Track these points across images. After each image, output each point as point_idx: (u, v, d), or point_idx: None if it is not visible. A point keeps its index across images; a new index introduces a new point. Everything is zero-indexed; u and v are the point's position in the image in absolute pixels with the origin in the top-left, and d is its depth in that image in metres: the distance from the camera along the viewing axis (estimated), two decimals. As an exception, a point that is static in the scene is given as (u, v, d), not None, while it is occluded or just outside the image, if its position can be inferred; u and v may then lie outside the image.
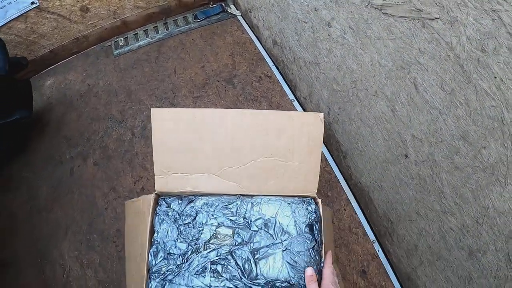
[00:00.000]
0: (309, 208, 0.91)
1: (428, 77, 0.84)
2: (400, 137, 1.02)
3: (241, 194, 0.95)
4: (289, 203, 0.92)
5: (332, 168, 1.51)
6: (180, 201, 0.93)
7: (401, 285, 1.28)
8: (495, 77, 0.68)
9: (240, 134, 0.91)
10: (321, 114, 0.91)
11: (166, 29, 2.02)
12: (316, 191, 0.95)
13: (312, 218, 0.91)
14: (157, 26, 2.05)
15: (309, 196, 0.96)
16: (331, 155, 1.52)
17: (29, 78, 1.93)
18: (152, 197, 0.93)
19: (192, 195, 0.94)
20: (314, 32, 1.27)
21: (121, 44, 2.00)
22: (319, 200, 0.94)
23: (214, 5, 2.11)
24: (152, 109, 0.92)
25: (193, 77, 1.81)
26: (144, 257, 0.88)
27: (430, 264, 1.08)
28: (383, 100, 1.03)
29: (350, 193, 1.46)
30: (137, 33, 2.04)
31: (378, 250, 1.34)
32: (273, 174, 0.93)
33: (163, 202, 0.93)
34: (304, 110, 1.64)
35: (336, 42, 1.16)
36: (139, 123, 1.72)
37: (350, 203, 1.43)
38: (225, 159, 0.93)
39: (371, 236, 1.36)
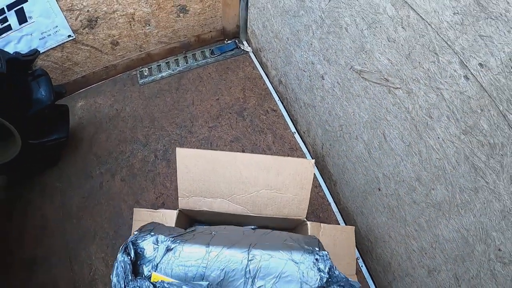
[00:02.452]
0: (320, 265, 0.91)
1: (393, 131, 1.04)
2: (375, 174, 1.21)
3: (244, 215, 1.18)
4: (296, 263, 0.90)
5: (324, 193, 1.68)
6: None
7: (381, 298, 1.43)
8: (439, 137, 0.88)
9: (247, 172, 1.15)
10: (312, 161, 1.14)
11: (186, 62, 2.20)
12: (305, 216, 1.19)
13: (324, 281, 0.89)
14: (177, 59, 2.23)
15: (299, 219, 1.18)
16: (325, 182, 1.70)
17: (64, 98, 2.08)
18: (176, 212, 1.19)
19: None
20: (311, 80, 1.47)
21: (145, 74, 2.18)
22: (309, 223, 1.16)
23: (229, 42, 2.28)
24: (177, 148, 1.17)
25: (209, 109, 1.97)
26: None
27: (401, 280, 1.24)
28: (361, 143, 1.23)
29: (339, 215, 1.62)
30: (160, 64, 2.22)
31: (361, 266, 1.50)
32: (272, 203, 1.17)
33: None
34: (304, 142, 1.81)
35: (327, 92, 1.36)
36: (161, 147, 1.88)
37: (339, 223, 1.60)
38: (234, 189, 1.17)
39: (356, 253, 1.49)
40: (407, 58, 0.90)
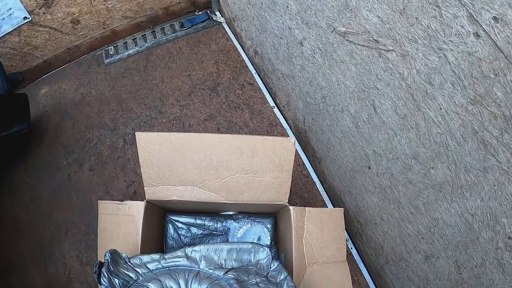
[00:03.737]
0: None
1: (384, 101, 0.87)
2: (364, 150, 1.06)
3: (220, 203, 1.04)
4: None
5: (309, 172, 1.54)
6: None
7: (373, 280, 1.33)
8: (441, 108, 0.72)
9: (217, 155, 0.99)
10: (292, 140, 0.98)
11: (154, 38, 2.01)
12: (287, 200, 1.03)
13: None
14: (145, 34, 2.04)
15: (280, 204, 1.03)
16: (308, 160, 1.55)
17: (25, 87, 1.93)
18: (143, 203, 1.03)
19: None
20: (289, 48, 1.30)
21: (111, 53, 2.00)
22: (291, 208, 1.01)
23: (200, 13, 2.09)
24: (136, 133, 0.99)
25: (180, 86, 1.81)
26: (138, 250, 1.01)
27: (395, 264, 1.13)
28: (348, 116, 1.07)
29: (326, 195, 1.49)
30: (126, 42, 2.03)
31: (351, 248, 1.39)
32: (248, 187, 1.01)
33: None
34: (284, 117, 1.66)
35: (307, 60, 1.19)
36: (130, 130, 1.73)
37: (326, 204, 1.47)
38: (205, 175, 1.00)
39: (346, 235, 1.40)
40: (401, 14, 0.73)
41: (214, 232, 1.18)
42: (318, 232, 1.03)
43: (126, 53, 1.97)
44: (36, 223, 1.63)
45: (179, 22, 2.05)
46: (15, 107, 1.62)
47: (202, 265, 0.90)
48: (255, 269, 0.91)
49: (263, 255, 0.92)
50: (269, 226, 1.17)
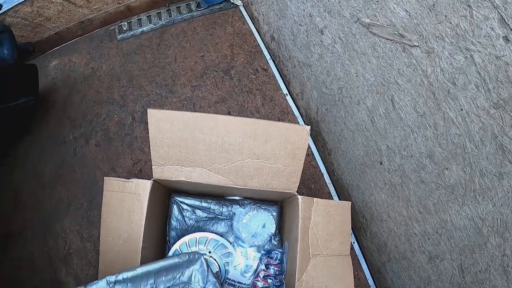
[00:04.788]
0: None
1: (404, 97, 0.87)
2: (377, 145, 1.05)
3: (227, 187, 1.04)
4: None
5: (317, 163, 1.54)
6: None
7: (372, 277, 1.34)
8: (462, 109, 0.71)
9: (230, 137, 0.98)
10: (307, 128, 0.97)
11: (169, 16, 1.99)
12: (296, 189, 1.03)
13: None
14: (160, 12, 2.02)
15: (289, 192, 1.03)
16: (318, 151, 1.55)
17: (35, 58, 1.93)
18: (150, 182, 1.03)
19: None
20: (308, 36, 1.28)
21: (124, 28, 1.98)
22: (299, 197, 1.01)
23: None
24: (148, 110, 0.98)
25: (193, 66, 1.80)
26: (140, 236, 1.00)
27: (397, 262, 1.13)
28: (364, 110, 1.06)
29: (332, 187, 1.49)
30: (140, 18, 2.02)
31: (353, 242, 1.39)
32: (259, 173, 1.01)
33: None
34: (297, 105, 1.65)
35: (327, 49, 1.18)
36: (140, 108, 1.72)
37: (332, 197, 1.47)
38: (216, 157, 1.00)
39: None
40: (430, 10, 0.71)
41: (219, 216, 1.18)
42: (324, 224, 1.03)
43: (140, 30, 1.96)
44: (38, 196, 1.64)
45: (196, 2, 2.03)
46: (24, 77, 1.62)
47: None
48: (190, 287, 0.87)
49: (198, 265, 0.87)
50: (274, 214, 1.18)
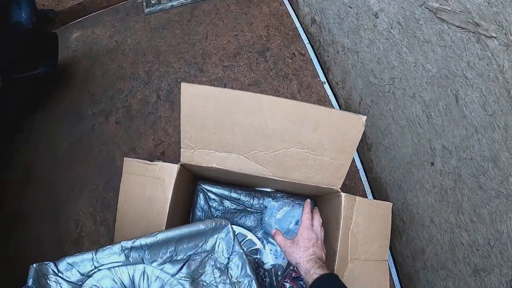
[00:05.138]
0: None
1: (472, 93, 0.81)
2: (430, 144, 1.01)
3: (264, 177, 0.98)
4: None
5: (353, 157, 1.49)
6: None
7: (400, 283, 1.30)
8: (541, 112, 0.66)
9: (275, 122, 0.92)
10: (363, 118, 0.91)
11: None
12: (340, 186, 0.99)
13: None
14: None
15: (332, 188, 0.98)
16: (356, 145, 1.51)
17: (56, 29, 1.92)
18: (177, 166, 0.97)
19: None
20: (359, 19, 1.23)
21: (152, 2, 1.95)
22: (343, 194, 0.97)
23: None
24: (182, 83, 0.91)
25: (225, 45, 1.77)
26: (161, 227, 0.95)
27: (434, 271, 1.09)
28: (419, 104, 1.01)
29: (368, 185, 1.45)
30: None
31: None
32: (302, 165, 0.95)
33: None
34: (335, 95, 1.60)
35: (380, 35, 1.12)
36: (166, 86, 1.70)
37: (366, 195, 1.43)
38: (255, 143, 0.94)
39: None
40: (515, -2, 0.65)
41: (249, 209, 1.15)
42: (365, 226, 0.99)
43: (169, 4, 1.93)
44: (51, 173, 1.63)
45: None
46: (43, 46, 1.60)
47: (147, 260, 0.79)
48: (213, 257, 0.82)
49: (223, 233, 0.82)
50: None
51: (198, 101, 0.93)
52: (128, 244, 0.76)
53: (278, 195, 1.16)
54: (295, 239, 0.97)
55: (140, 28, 1.90)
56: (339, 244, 0.95)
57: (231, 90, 0.92)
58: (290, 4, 1.87)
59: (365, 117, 0.92)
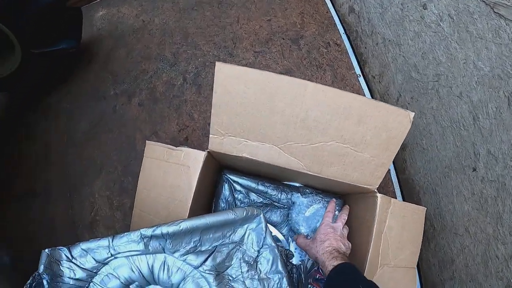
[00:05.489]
0: None
1: (528, 96, 0.79)
2: (474, 148, 0.98)
3: (296, 171, 0.95)
4: None
5: (385, 157, 1.47)
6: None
7: (422, 291, 1.28)
8: None
9: (317, 112, 0.88)
10: (412, 114, 0.88)
11: None
12: (377, 186, 0.96)
13: None
14: None
15: (367, 188, 0.96)
16: (389, 143, 1.49)
17: (81, 7, 1.92)
18: (204, 154, 0.95)
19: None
20: (404, 9, 1.20)
21: None
22: (379, 195, 0.95)
23: None
24: (217, 63, 0.87)
25: (257, 30, 1.75)
26: (184, 217, 0.91)
27: (461, 283, 1.07)
28: (466, 104, 0.98)
29: (398, 187, 1.43)
30: None
31: None
32: (340, 161, 0.93)
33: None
34: (370, 89, 1.58)
35: (428, 27, 1.09)
36: (193, 69, 1.69)
37: (396, 197, 1.41)
38: (292, 134, 0.91)
39: None
40: None
41: (276, 204, 1.14)
42: (398, 230, 0.97)
43: (200, -16, 1.91)
44: (68, 153, 1.65)
45: None
46: (66, 21, 1.62)
47: (169, 250, 0.76)
48: (241, 249, 0.80)
49: (254, 224, 0.79)
50: (337, 208, 1.13)
51: (234, 84, 0.89)
52: (148, 232, 0.74)
53: (307, 190, 1.14)
54: (313, 236, 0.96)
55: (168, 8, 1.90)
56: (371, 247, 0.93)
57: (272, 74, 0.87)
58: None
59: (414, 113, 0.88)
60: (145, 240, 0.74)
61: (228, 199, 1.15)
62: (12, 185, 1.67)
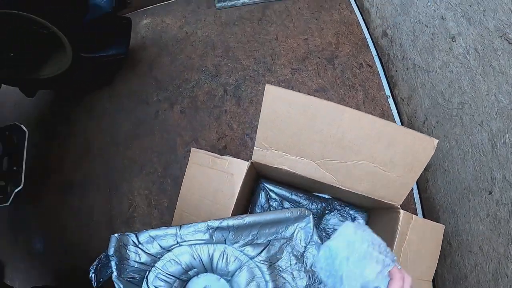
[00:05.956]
0: None
1: (542, 130, 0.87)
2: (491, 173, 1.06)
3: (328, 184, 1.05)
4: None
5: (410, 176, 1.55)
6: None
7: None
8: None
9: (352, 134, 1.00)
10: (436, 141, 0.98)
11: None
12: (401, 203, 1.06)
13: None
14: None
15: (392, 204, 1.06)
16: (412, 163, 1.56)
17: (126, 14, 2.03)
18: (247, 164, 1.07)
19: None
20: (434, 39, 1.29)
21: None
22: (402, 211, 1.04)
23: None
24: (267, 85, 1.00)
25: (295, 48, 1.83)
26: (229, 213, 1.05)
27: None
28: (486, 132, 1.06)
29: (419, 205, 1.50)
30: None
31: None
32: (369, 178, 1.03)
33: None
34: (398, 110, 1.66)
35: (455, 58, 1.18)
36: (233, 81, 1.79)
37: (417, 214, 1.46)
38: (329, 152, 1.03)
39: None
40: None
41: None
42: (417, 244, 1.05)
43: (241, 1, 2.03)
44: (109, 151, 1.76)
45: None
46: (117, 29, 1.71)
47: (230, 241, 0.85)
48: (290, 244, 0.87)
49: (303, 223, 0.87)
50: (361, 221, 1.22)
51: (280, 104, 1.01)
52: (215, 223, 0.83)
53: (336, 202, 1.25)
54: None
55: (211, 21, 2.00)
56: None
57: (315, 98, 0.99)
58: (361, 14, 1.93)
59: (437, 140, 0.98)
60: (210, 231, 0.83)
61: (264, 206, 1.26)
62: (52, 177, 1.78)
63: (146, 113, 1.80)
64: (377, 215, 1.23)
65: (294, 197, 1.25)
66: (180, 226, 0.83)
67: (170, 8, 2.11)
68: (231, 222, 0.82)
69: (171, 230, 0.83)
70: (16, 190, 1.50)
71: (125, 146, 1.75)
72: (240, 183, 1.07)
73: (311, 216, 0.85)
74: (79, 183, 1.74)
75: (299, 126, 1.02)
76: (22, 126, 1.60)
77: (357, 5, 1.97)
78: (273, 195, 1.26)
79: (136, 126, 1.78)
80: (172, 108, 1.78)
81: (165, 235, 0.83)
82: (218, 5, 2.04)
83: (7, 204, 1.52)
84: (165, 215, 1.58)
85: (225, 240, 0.84)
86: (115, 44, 1.70)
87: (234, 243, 0.84)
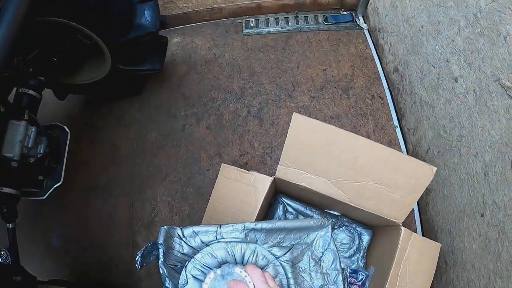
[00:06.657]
0: None
1: (524, 162, 1.03)
2: (483, 198, 1.20)
3: (339, 201, 1.21)
4: None
5: (411, 198, 1.68)
6: None
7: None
8: None
9: (364, 159, 1.17)
10: (434, 169, 1.15)
11: (296, 23, 2.21)
12: (402, 220, 1.22)
13: None
14: (288, 17, 2.24)
15: (394, 221, 1.22)
16: (415, 187, 1.70)
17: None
18: (270, 179, 1.24)
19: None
20: (439, 79, 1.45)
21: (251, 24, 2.22)
22: (403, 228, 1.20)
23: (345, 13, 2.26)
24: (294, 113, 1.17)
25: (314, 77, 1.98)
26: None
27: None
28: (480, 162, 1.22)
29: (420, 226, 1.63)
30: (268, 18, 2.24)
31: None
32: (376, 197, 1.20)
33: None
34: (405, 140, 1.81)
35: (456, 97, 1.34)
36: (257, 104, 1.93)
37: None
38: (342, 173, 1.20)
39: None
40: None
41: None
42: (415, 259, 1.20)
43: (267, 29, 2.20)
44: (136, 158, 1.85)
45: (323, 16, 2.24)
46: (155, 47, 1.81)
47: (261, 241, 0.93)
48: (310, 249, 0.97)
49: (323, 232, 0.97)
50: (367, 238, 1.37)
51: (305, 131, 1.19)
52: (251, 225, 0.93)
53: (344, 219, 1.39)
54: None
55: (238, 46, 2.15)
56: (392, 271, 1.17)
57: (334, 128, 1.17)
58: (375, 49, 2.09)
59: (436, 168, 1.15)
60: (246, 231, 0.92)
61: (281, 218, 1.39)
62: (78, 177, 1.85)
63: (173, 126, 1.91)
64: (381, 231, 1.38)
65: (308, 211, 1.40)
66: (220, 225, 0.92)
67: (200, 30, 2.24)
68: (265, 225, 0.93)
69: (212, 228, 0.92)
70: (55, 186, 1.54)
71: (151, 154, 1.85)
72: (264, 195, 1.23)
73: (330, 226, 0.96)
74: (103, 185, 1.82)
75: (319, 150, 1.19)
76: (64, 127, 1.63)
77: (372, 41, 2.13)
78: (289, 209, 1.40)
79: (163, 137, 1.88)
80: (199, 124, 1.90)
81: (206, 232, 0.91)
82: (245, 31, 2.20)
83: (43, 197, 1.54)
84: (185, 222, 1.67)
85: (256, 241, 0.93)
86: (152, 60, 1.79)
87: (264, 244, 0.93)
